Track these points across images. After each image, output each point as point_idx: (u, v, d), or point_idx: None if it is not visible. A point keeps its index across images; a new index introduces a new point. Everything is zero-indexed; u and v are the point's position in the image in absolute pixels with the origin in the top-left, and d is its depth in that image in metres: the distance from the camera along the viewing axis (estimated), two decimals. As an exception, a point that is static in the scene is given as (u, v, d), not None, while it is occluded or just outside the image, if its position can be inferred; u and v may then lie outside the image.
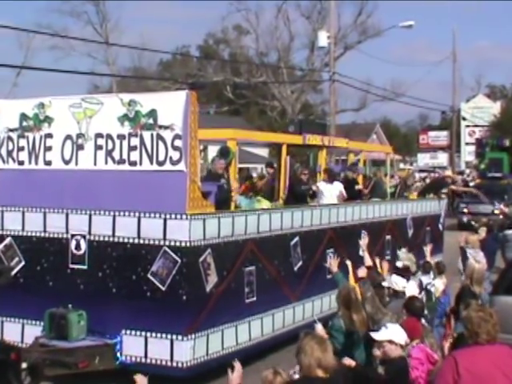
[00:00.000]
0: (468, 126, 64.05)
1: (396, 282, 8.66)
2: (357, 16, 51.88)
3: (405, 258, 10.45)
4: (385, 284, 8.77)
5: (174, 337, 9.05)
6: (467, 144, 62.01)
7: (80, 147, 9.79)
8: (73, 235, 9.77)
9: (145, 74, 52.14)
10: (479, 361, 5.12)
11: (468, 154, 61.45)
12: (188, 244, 9.04)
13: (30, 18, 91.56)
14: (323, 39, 33.09)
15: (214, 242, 9.47)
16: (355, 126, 62.29)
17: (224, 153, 11.56)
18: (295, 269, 11.46)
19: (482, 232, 13.95)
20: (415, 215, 16.30)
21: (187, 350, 9.06)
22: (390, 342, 6.29)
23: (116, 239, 9.46)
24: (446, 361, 5.40)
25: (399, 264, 10.16)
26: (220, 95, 58.48)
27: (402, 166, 64.13)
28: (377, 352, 6.46)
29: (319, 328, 7.09)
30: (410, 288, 8.91)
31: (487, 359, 5.13)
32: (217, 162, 11.12)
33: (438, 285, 10.53)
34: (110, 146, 9.56)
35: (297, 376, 5.58)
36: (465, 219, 28.81)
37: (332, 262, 9.06)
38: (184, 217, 9.04)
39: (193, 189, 9.16)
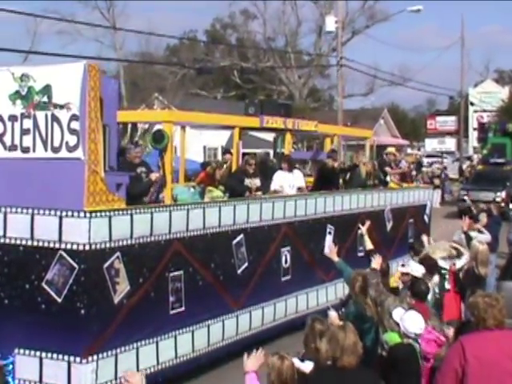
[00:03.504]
0: (476, 111, 62.47)
1: (417, 269, 8.40)
2: (365, 0, 51.77)
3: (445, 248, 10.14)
4: (403, 270, 8.55)
5: (72, 358, 7.53)
6: (475, 129, 60.27)
7: (-31, 131, 8.24)
8: (-39, 235, 8.24)
9: (152, 58, 51.29)
10: (486, 346, 5.08)
11: (476, 139, 59.75)
12: (87, 247, 7.50)
13: (38, 3, 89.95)
14: (331, 24, 32.72)
15: (124, 243, 7.92)
16: (363, 111, 61.57)
17: (157, 138, 10.00)
18: (239, 272, 9.87)
19: (483, 218, 13.51)
20: (395, 206, 14.63)
21: (87, 375, 7.53)
22: (398, 325, 6.27)
23: (7, 240, 7.94)
24: (453, 346, 5.38)
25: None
26: (227, 80, 58.25)
27: (409, 150, 62.86)
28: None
29: (333, 315, 6.95)
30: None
31: (494, 345, 5.09)
32: (132, 151, 9.58)
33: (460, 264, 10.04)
34: (0, 130, 8.01)
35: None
36: (465, 206, 27.45)
37: (331, 250, 8.70)
38: (82, 214, 7.49)
39: (93, 180, 7.61)
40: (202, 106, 34.69)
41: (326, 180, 13.34)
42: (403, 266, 9.05)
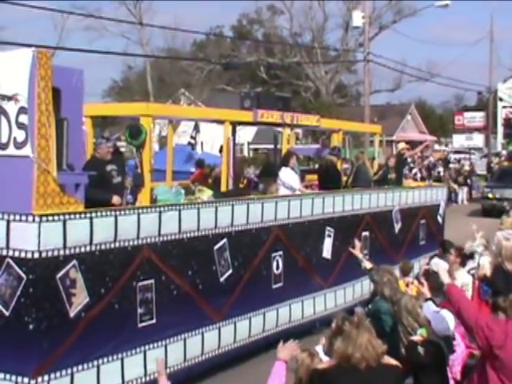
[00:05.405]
0: (505, 106, 60.84)
1: (436, 264, 8.15)
2: (392, -4, 50.54)
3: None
4: (426, 267, 8.50)
5: (20, 379, 6.76)
6: (503, 125, 58.87)
7: None
8: None
9: (178, 54, 51.58)
10: None
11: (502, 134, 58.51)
12: (37, 255, 6.71)
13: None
14: (358, 19, 32.78)
15: (82, 250, 7.12)
16: (390, 107, 61.01)
17: (134, 133, 9.25)
18: (221, 280, 9.03)
19: None
20: (404, 206, 13.68)
21: (37, 397, 6.76)
22: (430, 322, 6.17)
23: (-45, 247, 7.19)
24: (497, 320, 5.54)
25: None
26: (253, 76, 58.20)
27: (436, 147, 61.80)
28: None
29: (360, 312, 6.52)
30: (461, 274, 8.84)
31: None
32: (103, 146, 8.78)
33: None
34: None
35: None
36: (489, 204, 27.29)
37: (357, 248, 8.61)
38: (30, 218, 6.72)
39: (44, 181, 6.83)
40: (228, 102, 34.05)
41: (326, 177, 12.55)
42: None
